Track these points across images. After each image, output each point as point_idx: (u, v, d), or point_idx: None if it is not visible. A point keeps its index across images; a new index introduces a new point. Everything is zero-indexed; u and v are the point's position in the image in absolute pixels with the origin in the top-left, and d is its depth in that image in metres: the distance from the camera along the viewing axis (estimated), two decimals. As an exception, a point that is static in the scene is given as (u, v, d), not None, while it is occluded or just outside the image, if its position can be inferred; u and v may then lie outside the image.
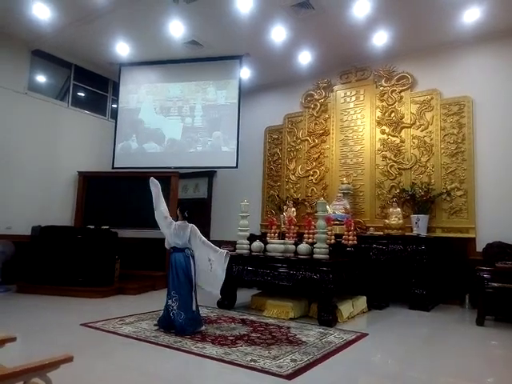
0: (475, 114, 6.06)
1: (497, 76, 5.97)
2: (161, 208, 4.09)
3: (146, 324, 4.11)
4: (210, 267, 3.92)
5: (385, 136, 6.73)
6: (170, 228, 3.99)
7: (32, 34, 6.68)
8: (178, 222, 4.01)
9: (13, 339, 1.79)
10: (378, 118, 6.83)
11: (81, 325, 4.00)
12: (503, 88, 5.89)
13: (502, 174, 5.76)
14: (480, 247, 5.70)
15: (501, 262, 4.91)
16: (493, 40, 6.01)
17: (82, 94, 8.12)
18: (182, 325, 3.74)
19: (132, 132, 7.87)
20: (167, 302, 3.85)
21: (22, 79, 6.98)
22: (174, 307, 3.79)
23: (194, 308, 3.86)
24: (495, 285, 4.58)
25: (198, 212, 8.83)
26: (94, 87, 8.26)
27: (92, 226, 6.70)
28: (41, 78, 7.53)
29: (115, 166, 7.78)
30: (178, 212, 4.11)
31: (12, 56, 6.84)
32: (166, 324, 3.87)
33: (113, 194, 7.39)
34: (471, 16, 5.59)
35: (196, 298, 3.92)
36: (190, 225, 4.01)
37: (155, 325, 4.02)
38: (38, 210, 6.93)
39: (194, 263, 3.95)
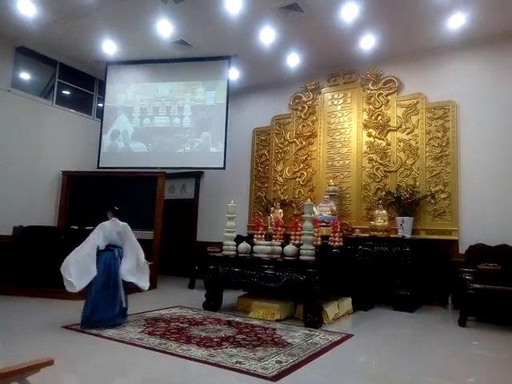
0: (459, 118, 6.17)
1: (481, 81, 6.09)
2: (86, 245, 4.11)
3: (130, 326, 4.05)
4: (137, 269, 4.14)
5: (371, 139, 6.80)
6: (105, 229, 4.09)
7: (16, 31, 6.54)
8: (110, 220, 4.18)
9: (-9, 342, 1.74)
10: (365, 120, 6.89)
11: (62, 327, 3.94)
12: (487, 93, 6.01)
13: (485, 177, 5.87)
14: (463, 249, 5.80)
15: (483, 264, 5.04)
16: (477, 46, 6.13)
17: (67, 93, 8.00)
18: (114, 318, 3.96)
19: (118, 131, 7.78)
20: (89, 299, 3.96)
21: (5, 76, 6.83)
22: (100, 304, 3.89)
23: (124, 305, 4.05)
24: (477, 286, 4.67)
25: (184, 213, 8.81)
26: (80, 86, 8.14)
27: (76, 227, 6.57)
28: (25, 76, 7.38)
29: (101, 166, 7.68)
30: (107, 214, 4.24)
31: (-5, 52, 6.70)
32: (93, 319, 3.92)
33: (98, 195, 7.27)
34: (456, 22, 5.70)
35: (125, 294, 4.06)
36: (123, 223, 4.19)
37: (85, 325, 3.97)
38: (20, 210, 6.77)
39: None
